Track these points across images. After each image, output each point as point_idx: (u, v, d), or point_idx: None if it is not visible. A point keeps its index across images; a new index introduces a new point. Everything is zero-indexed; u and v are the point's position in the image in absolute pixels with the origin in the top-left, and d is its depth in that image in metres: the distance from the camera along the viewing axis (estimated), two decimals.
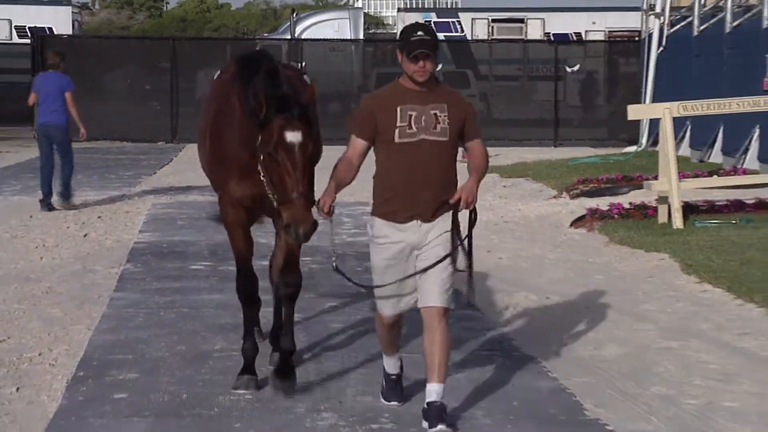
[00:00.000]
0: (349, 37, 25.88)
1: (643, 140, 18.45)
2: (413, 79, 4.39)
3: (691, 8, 17.64)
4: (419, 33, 4.37)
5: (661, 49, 18.52)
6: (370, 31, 39.33)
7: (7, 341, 6.01)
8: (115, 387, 5.03)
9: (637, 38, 22.41)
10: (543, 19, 26.93)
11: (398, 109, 4.38)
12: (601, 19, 26.84)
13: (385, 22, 61.44)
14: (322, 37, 24.76)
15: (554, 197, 12.75)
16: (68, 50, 20.47)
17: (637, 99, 18.96)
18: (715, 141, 15.53)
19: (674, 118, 10.23)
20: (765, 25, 14.15)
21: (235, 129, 4.82)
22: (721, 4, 16.42)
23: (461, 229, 4.45)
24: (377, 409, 4.65)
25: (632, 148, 18.46)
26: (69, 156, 11.59)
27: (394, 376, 4.72)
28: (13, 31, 26.12)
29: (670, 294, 7.17)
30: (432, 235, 4.40)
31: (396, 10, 42.06)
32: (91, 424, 4.52)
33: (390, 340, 4.66)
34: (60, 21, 26.00)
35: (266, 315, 5.65)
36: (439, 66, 4.86)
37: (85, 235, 9.85)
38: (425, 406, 4.40)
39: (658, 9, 18.75)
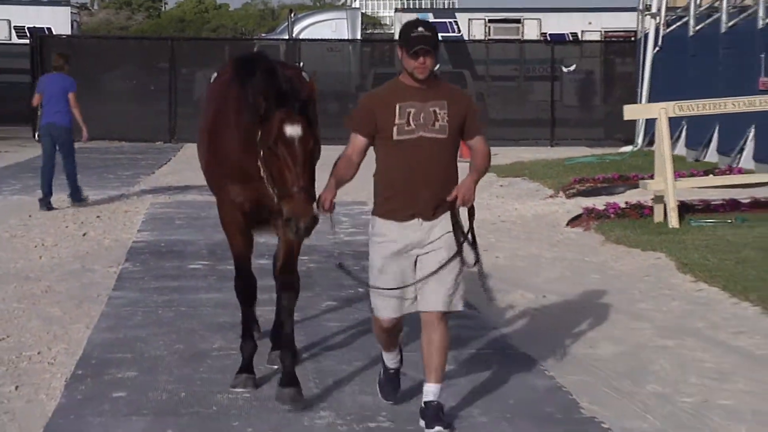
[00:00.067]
0: (346, 38, 25.89)
1: (639, 140, 18.48)
2: (413, 76, 4.33)
3: (686, 8, 17.68)
4: (419, 29, 4.30)
5: (657, 49, 18.55)
6: (368, 32, 39.28)
7: (6, 340, 6.03)
8: (114, 385, 5.04)
9: (633, 38, 22.42)
10: (539, 19, 26.96)
11: (397, 106, 4.32)
12: (597, 20, 26.87)
13: (382, 23, 61.41)
14: (319, 38, 24.76)
15: (551, 197, 12.79)
16: (67, 50, 20.52)
17: (633, 99, 18.98)
18: (710, 140, 15.57)
19: (670, 118, 10.26)
20: (760, 26, 14.19)
21: (234, 131, 4.79)
22: (716, 4, 16.46)
23: (462, 225, 4.38)
24: (375, 408, 4.66)
25: (628, 148, 18.49)
26: (71, 156, 11.72)
27: (392, 370, 4.66)
28: (13, 31, 26.13)
29: (665, 293, 7.20)
30: (434, 235, 4.34)
31: (393, 10, 42.12)
32: (89, 423, 4.53)
33: (388, 339, 4.57)
34: (59, 21, 25.99)
35: (266, 314, 5.66)
36: (437, 66, 4.85)
37: (84, 235, 9.86)
38: (422, 405, 4.41)
39: (654, 9, 18.78)
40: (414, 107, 4.33)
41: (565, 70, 23.19)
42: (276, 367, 5.31)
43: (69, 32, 25.83)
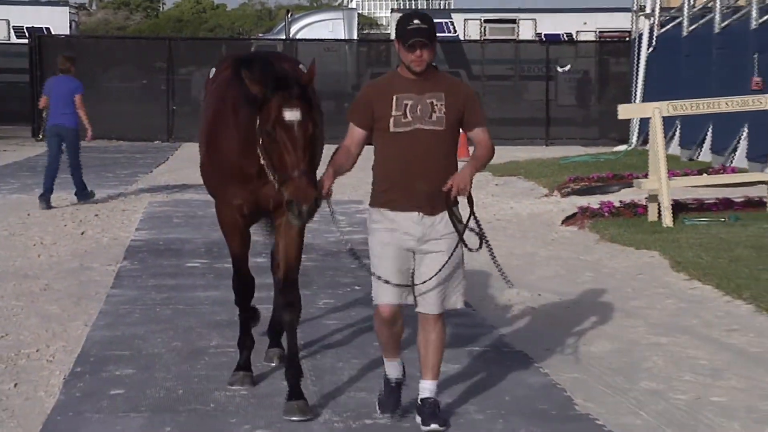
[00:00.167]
0: (343, 38, 25.94)
1: (634, 139, 18.55)
2: (410, 69, 4.26)
3: (680, 9, 17.75)
4: (415, 21, 4.23)
5: (651, 49, 18.63)
6: (364, 32, 39.30)
7: (5, 338, 6.04)
8: (112, 383, 5.05)
9: (627, 38, 22.51)
10: (534, 19, 27.00)
11: (394, 98, 4.26)
12: (592, 20, 26.92)
13: (378, 23, 61.45)
14: (316, 38, 24.80)
15: (546, 195, 12.84)
16: (66, 50, 20.56)
17: (628, 98, 19.06)
18: (704, 140, 15.64)
19: (664, 118, 10.30)
20: (753, 26, 14.25)
21: (233, 131, 4.72)
22: (710, 5, 16.52)
23: (461, 216, 4.31)
24: (371, 405, 4.66)
25: (622, 147, 18.56)
26: (77, 157, 11.88)
27: (394, 382, 4.48)
28: (11, 31, 26.15)
29: (659, 291, 7.22)
30: (435, 233, 4.28)
31: (389, 10, 42.13)
32: (88, 420, 4.54)
33: (390, 339, 4.43)
34: (57, 21, 26.00)
35: (263, 312, 5.68)
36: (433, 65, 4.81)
37: (82, 233, 9.88)
38: (419, 402, 4.42)
39: (648, 10, 18.85)
40: (411, 99, 4.26)
41: (560, 70, 23.25)
42: (273, 364, 5.34)
43: (67, 32, 25.85)
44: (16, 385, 5.10)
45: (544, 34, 26.17)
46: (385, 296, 4.32)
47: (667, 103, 10.63)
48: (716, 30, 15.56)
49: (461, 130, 4.39)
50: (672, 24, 18.22)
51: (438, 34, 4.39)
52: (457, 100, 4.30)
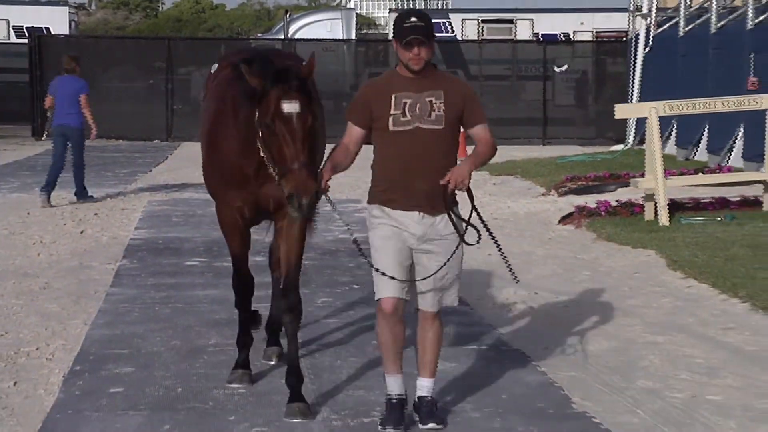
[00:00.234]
0: (341, 38, 25.98)
1: (630, 139, 18.58)
2: (408, 68, 4.22)
3: (677, 9, 17.78)
4: (412, 19, 4.19)
5: (648, 49, 18.65)
6: (362, 32, 39.37)
7: (5, 336, 6.06)
8: (111, 381, 5.07)
9: (624, 38, 22.53)
10: (532, 19, 27.05)
11: (393, 97, 4.22)
12: (589, 20, 26.97)
13: (376, 23, 61.54)
14: (315, 38, 24.83)
15: (543, 195, 12.87)
16: (65, 50, 20.58)
17: (624, 98, 19.07)
18: (700, 139, 15.68)
19: (660, 117, 10.34)
20: (749, 26, 14.29)
21: (234, 131, 4.69)
22: (706, 5, 16.57)
23: (460, 213, 4.30)
24: (369, 403, 4.70)
25: (619, 147, 18.59)
26: (82, 157, 11.98)
27: (395, 398, 4.33)
28: (11, 31, 26.20)
29: (656, 289, 7.24)
30: (434, 234, 4.26)
31: (387, 10, 42.17)
32: (87, 418, 4.55)
33: (391, 342, 4.30)
34: (57, 21, 26.05)
35: (261, 311, 5.70)
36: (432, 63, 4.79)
37: (81, 232, 9.90)
38: (416, 399, 4.43)
39: (644, 10, 18.88)
40: (410, 98, 4.23)
41: (557, 69, 23.29)
42: (272, 362, 5.36)
43: (67, 32, 25.91)
44: (15, 383, 5.12)
45: (542, 34, 26.22)
46: (386, 290, 4.27)
47: (664, 102, 10.66)
48: (712, 30, 15.60)
49: (462, 129, 4.35)
50: (668, 24, 18.25)
51: (436, 34, 4.37)
52: (456, 98, 4.26)
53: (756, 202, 10.46)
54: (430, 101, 4.23)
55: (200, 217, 10.69)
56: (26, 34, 24.45)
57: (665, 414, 4.65)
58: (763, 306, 6.50)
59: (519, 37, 26.22)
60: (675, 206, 10.15)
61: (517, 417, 4.57)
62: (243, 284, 5.08)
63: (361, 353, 5.55)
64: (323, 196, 4.26)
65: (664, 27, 18.39)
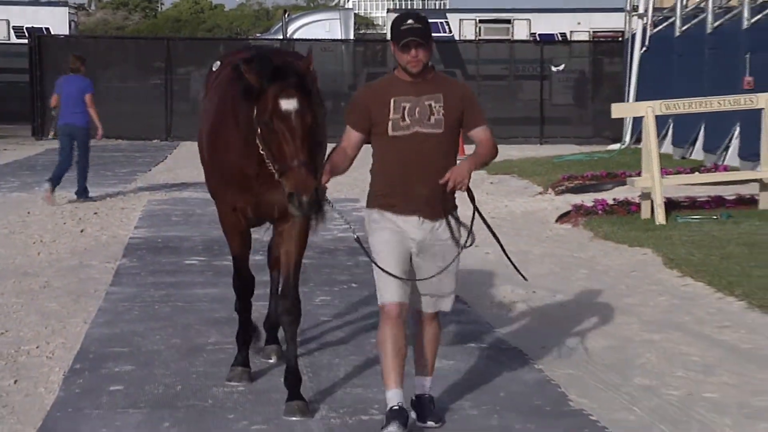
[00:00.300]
0: (339, 38, 26.02)
1: (627, 138, 18.62)
2: (407, 71, 4.18)
3: (673, 9, 17.82)
4: (409, 21, 4.15)
5: (644, 49, 18.70)
6: (361, 32, 39.43)
7: (5, 334, 6.08)
8: (111, 379, 5.08)
9: (620, 38, 22.56)
10: (529, 19, 27.09)
11: (392, 101, 4.18)
12: (586, 20, 27.01)
13: (374, 23, 61.65)
14: (313, 38, 24.85)
15: (540, 194, 12.92)
16: (65, 50, 20.64)
17: (621, 98, 19.12)
18: (696, 139, 15.72)
19: (657, 117, 10.37)
20: (745, 26, 14.33)
21: (234, 131, 4.65)
22: (702, 5, 16.60)
23: (459, 218, 4.28)
24: (367, 401, 4.72)
25: (616, 146, 18.64)
26: (86, 156, 12.06)
27: (397, 406, 4.21)
28: (11, 31, 26.24)
29: (652, 288, 7.27)
30: (434, 238, 4.23)
31: (386, 11, 42.21)
32: (87, 416, 4.56)
33: (394, 352, 4.18)
34: (57, 21, 26.09)
35: (260, 309, 5.74)
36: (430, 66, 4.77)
37: (81, 231, 9.93)
38: (414, 397, 4.44)
39: (641, 10, 18.93)
40: (409, 102, 4.19)
41: (554, 69, 23.33)
42: (271, 361, 5.37)
43: (67, 32, 25.96)
44: (16, 381, 5.14)
45: (539, 34, 26.26)
46: (390, 294, 4.21)
47: (660, 102, 10.69)
48: (708, 30, 15.65)
49: (462, 131, 4.32)
50: (665, 24, 18.29)
51: (434, 35, 4.35)
52: (456, 101, 4.23)
53: (752, 201, 10.50)
54: (430, 105, 4.20)
55: (199, 216, 10.72)
56: (26, 34, 24.48)
57: (661, 411, 4.67)
58: (759, 304, 6.53)
59: (516, 37, 26.26)
60: (671, 205, 10.19)
61: (515, 414, 4.59)
62: (244, 284, 5.09)
63: (360, 351, 5.57)
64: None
65: (661, 27, 18.43)
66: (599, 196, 11.29)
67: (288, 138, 4.23)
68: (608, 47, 23.99)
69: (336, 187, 4.58)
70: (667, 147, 16.51)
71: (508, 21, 27.25)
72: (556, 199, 12.12)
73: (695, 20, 16.62)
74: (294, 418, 4.53)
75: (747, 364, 5.40)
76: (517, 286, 7.11)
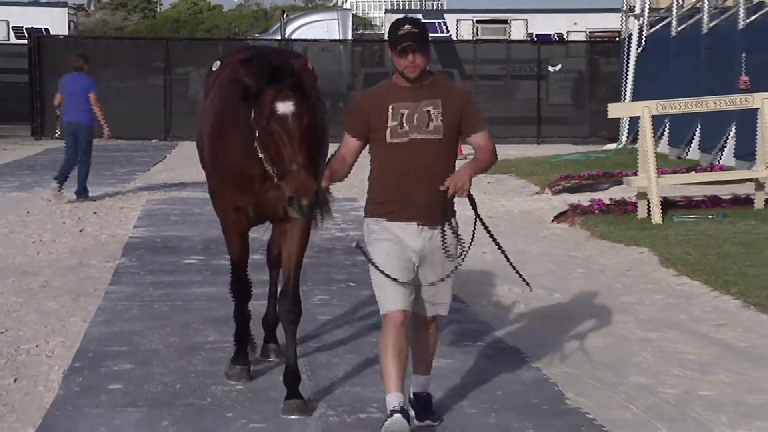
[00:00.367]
0: (337, 38, 26.07)
1: (623, 138, 18.68)
2: (404, 76, 4.12)
3: (669, 9, 17.89)
4: (406, 26, 4.08)
5: (641, 49, 18.76)
6: (358, 32, 39.45)
7: (5, 333, 6.09)
8: (110, 378, 5.10)
9: (617, 38, 22.64)
10: (526, 20, 27.14)
11: (390, 108, 4.13)
12: (583, 20, 27.07)
13: (372, 24, 61.69)
14: (311, 38, 24.91)
15: (537, 193, 12.96)
16: (64, 50, 20.65)
17: (617, 98, 19.18)
18: (692, 138, 15.77)
19: (653, 116, 10.40)
20: (740, 26, 14.39)
21: (234, 132, 4.62)
22: (698, 5, 16.66)
23: (458, 226, 4.23)
24: (365, 399, 4.73)
25: (612, 146, 18.69)
26: (88, 154, 12.10)
27: (398, 409, 4.15)
28: (11, 31, 26.27)
29: (648, 287, 7.29)
30: (434, 246, 4.18)
31: (383, 11, 42.26)
32: (86, 414, 4.58)
33: (396, 361, 4.14)
34: (56, 22, 26.13)
35: (258, 308, 5.76)
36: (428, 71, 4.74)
37: (80, 231, 9.95)
38: (412, 396, 4.45)
39: (637, 10, 18.98)
40: (407, 108, 4.13)
41: (551, 69, 23.38)
42: (270, 359, 5.39)
43: (66, 33, 26.00)
44: (15, 380, 5.15)
45: (536, 35, 26.32)
46: (394, 302, 4.15)
47: (656, 102, 10.73)
48: (704, 30, 15.70)
49: (461, 137, 4.25)
50: (661, 24, 18.35)
51: (431, 35, 4.30)
52: (455, 106, 4.17)
53: (747, 200, 10.54)
54: (428, 111, 4.14)
55: (198, 216, 10.73)
56: (26, 34, 24.51)
57: (658, 409, 4.69)
58: (755, 302, 6.55)
59: (513, 37, 26.30)
60: (667, 204, 10.22)
61: (512, 413, 4.60)
62: (242, 290, 5.05)
63: (358, 350, 5.59)
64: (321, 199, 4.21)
65: (657, 27, 18.48)
66: (596, 195, 11.32)
67: (286, 141, 4.20)
68: (605, 47, 24.04)
69: (334, 187, 4.56)
70: (664, 147, 16.56)
71: (505, 21, 27.30)
72: (553, 199, 12.16)
73: (691, 20, 16.68)
74: (292, 417, 4.54)
75: (743, 363, 5.42)
76: (514, 285, 7.12)
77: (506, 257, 4.50)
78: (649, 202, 9.95)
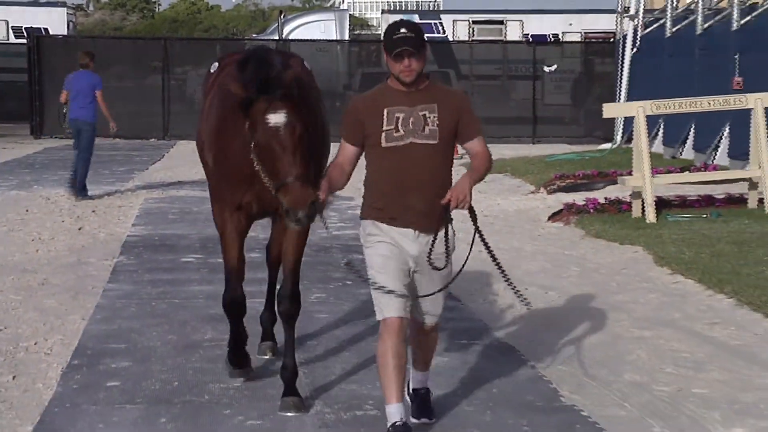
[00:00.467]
0: (335, 38, 26.10)
1: (618, 137, 18.72)
2: (400, 80, 4.06)
3: (663, 10, 17.92)
4: (402, 30, 4.02)
5: (635, 49, 18.80)
6: (355, 32, 39.46)
7: (4, 331, 6.10)
8: (109, 375, 5.12)
9: (612, 39, 22.67)
10: (522, 20, 27.18)
11: (385, 112, 4.06)
12: (578, 21, 27.12)
13: (369, 24, 61.68)
14: (309, 38, 24.95)
15: (532, 192, 13.00)
16: (63, 50, 20.63)
17: (612, 98, 19.22)
18: (686, 138, 15.82)
19: (647, 116, 10.45)
20: (734, 27, 14.44)
21: (234, 132, 4.56)
22: (692, 6, 16.71)
23: (453, 236, 4.18)
24: (362, 396, 4.76)
25: (607, 145, 18.74)
26: (89, 152, 12.17)
27: (399, 423, 4.08)
28: (10, 31, 26.28)
29: (643, 285, 7.31)
30: (432, 252, 4.12)
31: (380, 12, 42.27)
32: (85, 411, 4.59)
33: (395, 367, 4.08)
34: (55, 22, 26.14)
35: (256, 306, 5.78)
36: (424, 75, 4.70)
37: (79, 229, 9.95)
38: (410, 391, 4.48)
39: (632, 11, 19.03)
40: (402, 112, 4.07)
41: (546, 69, 23.43)
42: (267, 357, 5.41)
43: (65, 32, 25.98)
44: (14, 377, 5.17)
45: (531, 35, 26.36)
46: (391, 309, 4.09)
47: (651, 102, 10.78)
48: (698, 31, 15.75)
49: (457, 142, 4.20)
50: (655, 25, 18.39)
51: (427, 35, 4.29)
52: (451, 111, 4.11)
53: (741, 200, 10.59)
54: (424, 115, 4.07)
55: (196, 215, 10.75)
56: (25, 34, 24.50)
57: (652, 407, 4.71)
58: (748, 301, 6.57)
59: (509, 38, 26.36)
60: (662, 204, 10.27)
61: (508, 410, 4.63)
62: (234, 300, 4.90)
63: (355, 348, 5.62)
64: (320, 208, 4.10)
65: (651, 28, 18.53)
66: (591, 194, 11.37)
67: (279, 154, 4.11)
68: (600, 48, 24.10)
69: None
70: (658, 146, 16.61)
71: (501, 22, 27.35)
72: (548, 198, 12.20)
73: (685, 21, 16.73)
74: (289, 414, 4.56)
75: (736, 361, 5.45)
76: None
77: (504, 276, 4.45)
78: (643, 201, 9.99)
